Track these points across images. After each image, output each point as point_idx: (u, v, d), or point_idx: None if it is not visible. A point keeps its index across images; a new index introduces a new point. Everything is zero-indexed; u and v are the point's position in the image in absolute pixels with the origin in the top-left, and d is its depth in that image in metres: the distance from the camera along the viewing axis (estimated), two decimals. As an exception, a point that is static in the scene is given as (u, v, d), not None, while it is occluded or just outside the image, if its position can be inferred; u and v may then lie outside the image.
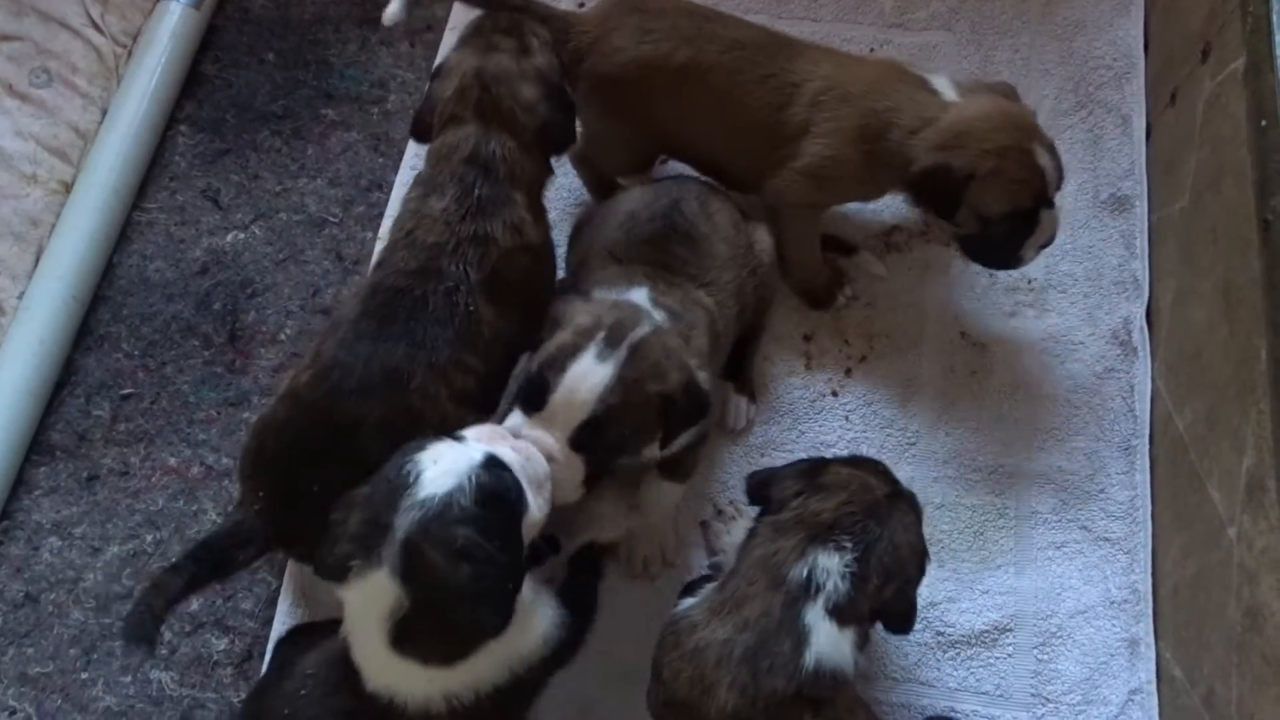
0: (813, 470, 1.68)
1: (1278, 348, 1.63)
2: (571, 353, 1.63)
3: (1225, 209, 1.93)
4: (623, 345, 1.64)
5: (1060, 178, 1.97)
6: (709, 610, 1.64)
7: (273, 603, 2.08)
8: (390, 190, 2.47)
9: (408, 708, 1.52)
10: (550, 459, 1.60)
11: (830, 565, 1.57)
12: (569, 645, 1.70)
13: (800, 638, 1.55)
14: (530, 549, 1.57)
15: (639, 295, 1.81)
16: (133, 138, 2.48)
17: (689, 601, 1.70)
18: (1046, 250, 2.05)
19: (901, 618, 1.66)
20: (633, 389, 1.63)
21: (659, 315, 1.77)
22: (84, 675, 2.05)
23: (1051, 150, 1.95)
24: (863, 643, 1.62)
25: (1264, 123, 1.76)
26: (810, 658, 1.54)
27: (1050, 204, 1.97)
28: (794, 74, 2.05)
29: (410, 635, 1.45)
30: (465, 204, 1.79)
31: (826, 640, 1.56)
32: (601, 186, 2.31)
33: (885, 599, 1.61)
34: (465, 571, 1.41)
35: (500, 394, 1.92)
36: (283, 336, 2.34)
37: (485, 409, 1.83)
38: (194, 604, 2.09)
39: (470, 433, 1.56)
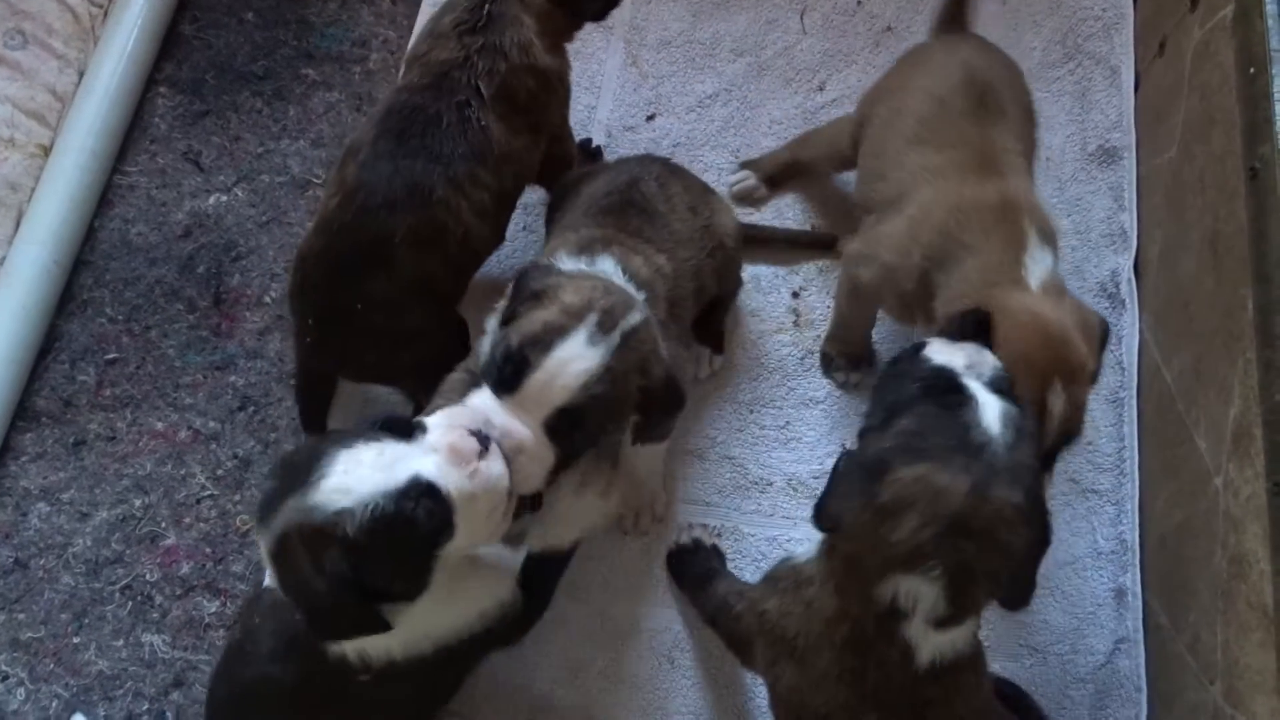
0: (870, 476, 1.38)
1: (1264, 296, 1.63)
2: (559, 332, 1.51)
3: (1213, 158, 1.92)
4: (615, 332, 1.54)
5: (1061, 439, 1.65)
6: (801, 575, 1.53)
7: (262, 566, 2.08)
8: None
9: (328, 649, 1.52)
10: (520, 450, 1.49)
11: (919, 590, 1.37)
12: (514, 628, 1.68)
13: (905, 650, 1.42)
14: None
15: (606, 265, 1.74)
16: (111, 100, 2.45)
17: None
18: None
19: (1018, 600, 1.44)
20: (619, 381, 1.54)
21: (631, 287, 1.71)
22: (76, 640, 2.05)
23: (1075, 406, 1.63)
24: (965, 616, 1.44)
25: (1252, 70, 1.75)
26: (923, 660, 1.42)
27: (1046, 463, 1.65)
28: (929, 158, 1.86)
29: (284, 593, 1.43)
30: (475, 16, 1.88)
31: (936, 645, 1.42)
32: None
33: (996, 591, 1.41)
34: (321, 585, 1.36)
35: (509, 215, 2.02)
36: (268, 299, 2.33)
37: (497, 228, 1.99)
38: (185, 567, 2.10)
39: (434, 426, 1.43)
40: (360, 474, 1.35)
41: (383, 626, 1.40)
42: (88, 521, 2.15)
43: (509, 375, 1.50)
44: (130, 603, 2.08)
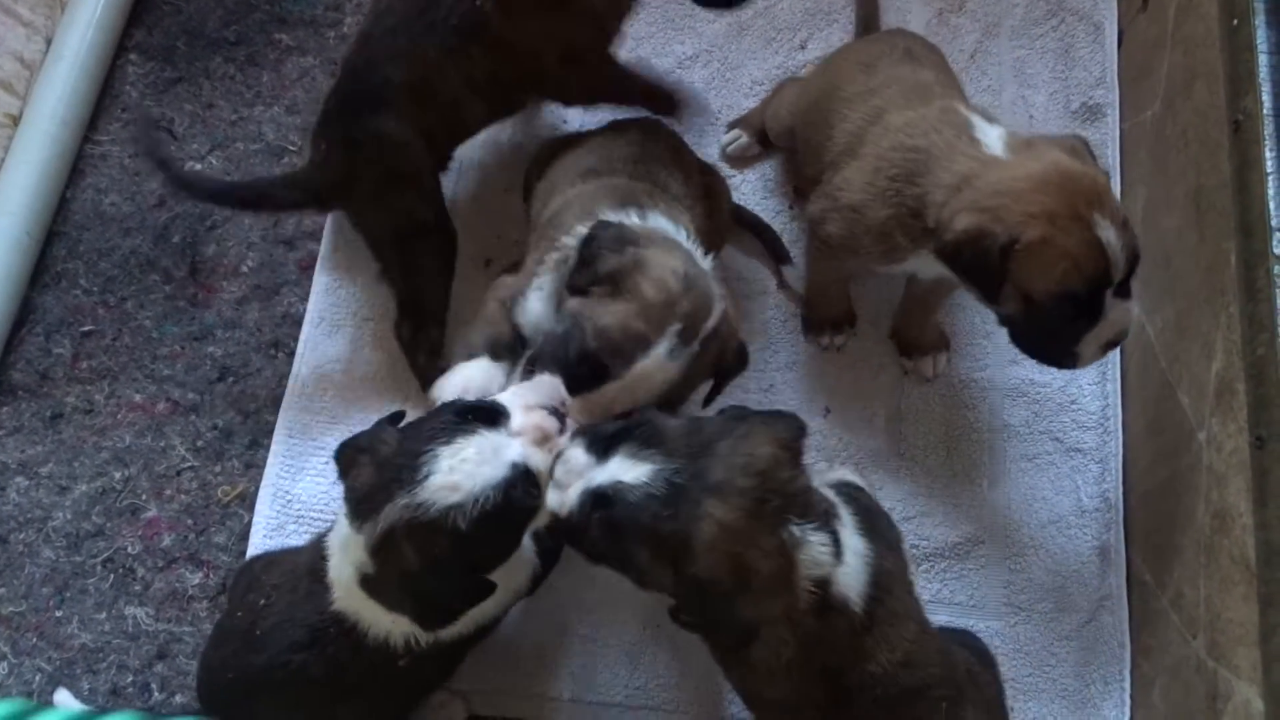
0: (701, 592, 1.35)
1: (1247, 250, 1.62)
2: (641, 344, 1.49)
3: (1197, 113, 1.90)
4: (695, 342, 1.52)
5: (1131, 258, 1.59)
6: None
7: (245, 537, 2.07)
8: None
9: (368, 635, 1.54)
10: None
11: (814, 555, 1.38)
12: (531, 588, 1.72)
13: (844, 607, 1.42)
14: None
15: (661, 223, 1.69)
16: (80, 67, 2.40)
17: None
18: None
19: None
20: (694, 377, 1.56)
21: (697, 248, 1.68)
22: (58, 613, 2.04)
23: (1121, 224, 1.57)
24: (830, 521, 1.41)
25: (1235, 21, 1.73)
26: (858, 604, 1.43)
27: (1123, 291, 1.62)
28: (870, 103, 1.87)
29: (374, 589, 1.47)
30: None
31: (857, 579, 1.43)
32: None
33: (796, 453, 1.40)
34: (430, 582, 1.42)
35: (518, 99, 2.10)
36: (244, 269, 2.30)
37: (497, 106, 2.08)
38: (166, 539, 2.08)
39: (514, 408, 1.45)
40: (466, 470, 1.39)
41: (489, 589, 1.46)
42: (67, 495, 2.13)
43: (585, 376, 1.51)
44: (112, 576, 2.07)
